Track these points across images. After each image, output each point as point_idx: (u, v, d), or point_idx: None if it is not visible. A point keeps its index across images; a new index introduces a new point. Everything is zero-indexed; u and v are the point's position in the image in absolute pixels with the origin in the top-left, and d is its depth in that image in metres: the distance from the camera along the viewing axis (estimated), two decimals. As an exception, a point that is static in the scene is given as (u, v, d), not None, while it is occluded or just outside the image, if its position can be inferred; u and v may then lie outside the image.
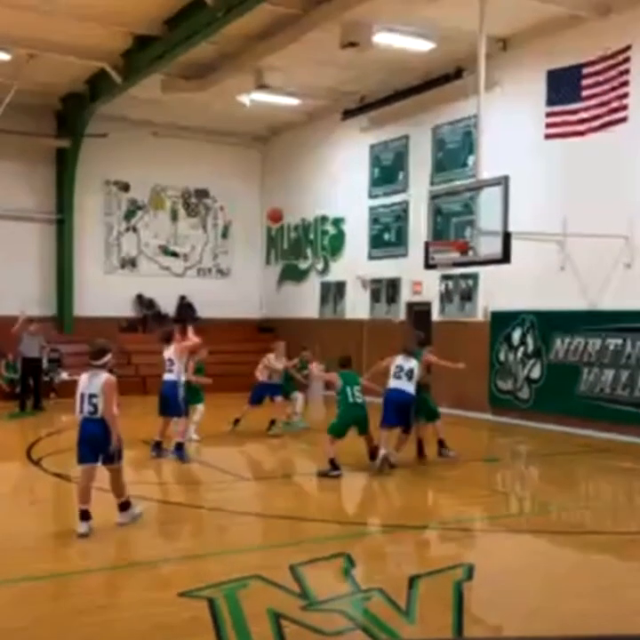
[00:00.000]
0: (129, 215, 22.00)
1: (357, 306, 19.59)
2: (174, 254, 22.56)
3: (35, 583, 5.95)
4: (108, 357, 7.35)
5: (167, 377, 10.83)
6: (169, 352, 10.91)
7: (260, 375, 13.63)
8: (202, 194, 22.86)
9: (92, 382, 7.14)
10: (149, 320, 21.54)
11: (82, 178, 20.73)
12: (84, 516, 7.06)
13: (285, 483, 10.15)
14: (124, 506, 7.43)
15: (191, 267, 22.83)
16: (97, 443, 7.12)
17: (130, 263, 22.05)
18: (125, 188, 21.84)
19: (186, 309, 22.03)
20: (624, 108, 13.05)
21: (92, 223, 21.45)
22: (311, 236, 21.50)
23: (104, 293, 21.14)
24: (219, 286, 22.85)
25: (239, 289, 23.00)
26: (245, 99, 17.40)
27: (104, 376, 7.19)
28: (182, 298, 22.18)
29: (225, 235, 23.26)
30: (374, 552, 7.25)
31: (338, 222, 20.46)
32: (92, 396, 7.11)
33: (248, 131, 22.48)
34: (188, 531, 7.84)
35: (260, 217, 23.45)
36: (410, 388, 10.18)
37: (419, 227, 15.82)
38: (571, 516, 8.54)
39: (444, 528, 7.86)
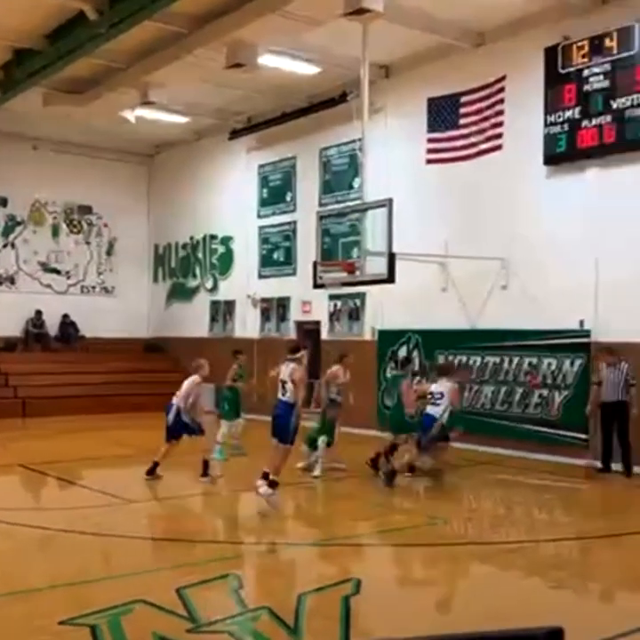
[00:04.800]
0: (7, 231, 21.20)
1: (247, 324, 19.58)
2: (56, 271, 21.87)
3: None
4: None
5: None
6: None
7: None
8: (85, 210, 22.30)
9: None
10: (31, 339, 20.79)
11: (-43, 192, 19.86)
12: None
13: (173, 504, 9.99)
14: None
15: (74, 284, 22.20)
16: None
17: (8, 280, 21.22)
18: (3, 202, 21.07)
19: (68, 328, 21.40)
20: (499, 136, 13.72)
21: (-32, 239, 20.57)
22: (200, 255, 21.36)
23: (-20, 312, 20.26)
24: (104, 304, 22.30)
25: (125, 307, 22.53)
26: (130, 115, 17.17)
27: None
28: (65, 316, 21.53)
29: (110, 252, 22.76)
30: (263, 570, 7.25)
31: (226, 241, 20.43)
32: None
33: (134, 147, 22.17)
34: (70, 556, 7.58)
35: (146, 234, 23.13)
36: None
37: (307, 247, 16.03)
38: (455, 527, 8.82)
39: (333, 543, 7.94)
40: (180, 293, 22.07)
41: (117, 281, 22.80)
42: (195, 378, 11.14)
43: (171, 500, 10.05)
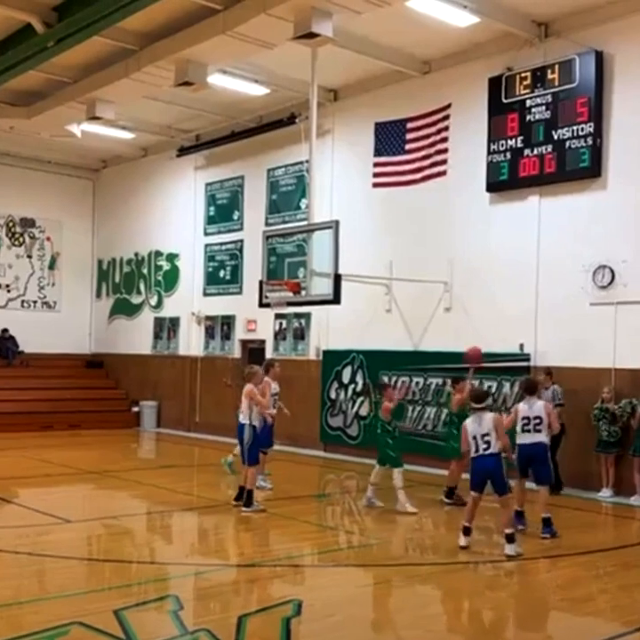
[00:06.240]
0: (-54, 242, 20.72)
1: (192, 342, 19.45)
2: (-5, 285, 21.43)
3: None
4: None
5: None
6: None
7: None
8: (28, 223, 21.93)
9: None
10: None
11: None
12: None
13: (110, 524, 9.81)
14: None
15: (15, 298, 21.75)
16: None
17: (-56, 293, 20.71)
18: (-59, 214, 20.61)
19: (7, 343, 20.92)
20: (444, 162, 14.01)
21: None
22: (145, 271, 21.17)
23: None
24: (45, 319, 21.89)
25: (67, 323, 22.16)
26: (76, 129, 17.00)
27: None
28: (4, 331, 21.04)
29: (52, 266, 22.39)
30: (203, 592, 7.18)
31: (172, 258, 20.31)
32: None
33: (80, 161, 21.93)
34: (4, 577, 7.37)
35: (90, 249, 22.86)
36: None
37: (253, 265, 16.04)
38: (395, 548, 8.86)
39: (273, 565, 7.90)
40: (124, 309, 21.81)
41: (60, 296, 22.42)
42: (247, 388, 10.37)
43: (109, 520, 9.88)
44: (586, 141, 12.04)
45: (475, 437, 8.25)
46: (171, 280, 20.36)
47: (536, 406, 9.11)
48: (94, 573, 7.53)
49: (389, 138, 14.76)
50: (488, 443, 8.16)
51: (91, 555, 8.34)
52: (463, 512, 8.77)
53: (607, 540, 9.57)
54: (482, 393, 9.04)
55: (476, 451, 8.25)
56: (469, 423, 8.39)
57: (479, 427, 8.26)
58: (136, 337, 21.05)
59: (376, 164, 15.02)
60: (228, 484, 11.77)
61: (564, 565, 8.10)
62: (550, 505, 9.28)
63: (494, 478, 8.27)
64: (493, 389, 13.05)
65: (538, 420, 9.01)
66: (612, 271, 11.85)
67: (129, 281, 21.72)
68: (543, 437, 9.06)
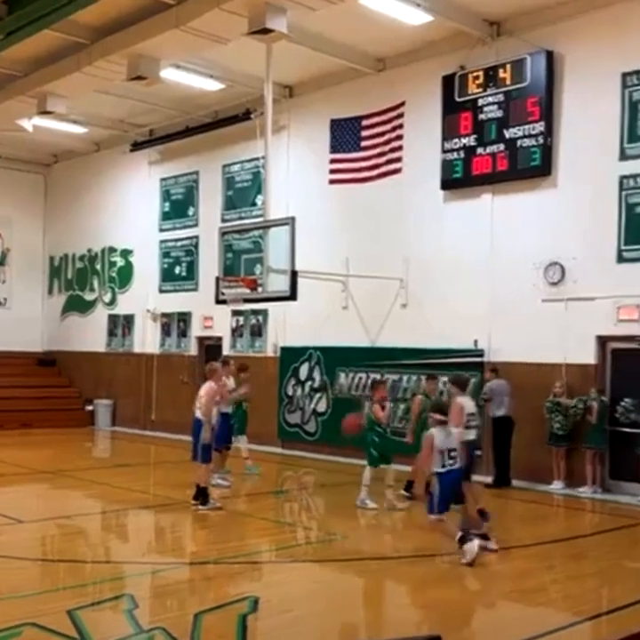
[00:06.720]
0: None
1: (147, 339, 19.28)
2: (-58, 282, 20.96)
3: None
4: None
5: None
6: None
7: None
8: (-24, 219, 21.50)
9: None
10: None
11: None
12: None
13: (63, 524, 9.69)
14: None
15: (-37, 295, 21.33)
16: None
17: None
18: None
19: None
20: (399, 159, 14.11)
21: None
22: (98, 267, 20.91)
23: None
24: (-5, 316, 21.51)
25: (18, 320, 21.72)
26: (27, 123, 16.69)
27: None
28: (-47, 329, 20.63)
29: (2, 262, 21.97)
30: (158, 591, 7.14)
31: (126, 254, 20.09)
32: None
33: (31, 156, 21.54)
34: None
35: (42, 245, 22.48)
36: None
37: (210, 262, 15.97)
38: (352, 543, 8.92)
39: (231, 562, 7.89)
40: (77, 306, 21.51)
41: (10, 292, 22.01)
42: (209, 385, 10.35)
43: (61, 520, 9.75)
44: (537, 140, 12.23)
45: (442, 452, 7.74)
46: (125, 276, 20.13)
47: (470, 404, 9.24)
48: (48, 574, 7.44)
49: (345, 135, 14.81)
50: (454, 458, 7.80)
51: (44, 555, 8.23)
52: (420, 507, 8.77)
53: (558, 531, 9.76)
54: (444, 405, 8.75)
55: (443, 465, 7.75)
56: (437, 435, 7.82)
57: (447, 440, 7.80)
58: (90, 334, 20.78)
59: (332, 161, 15.06)
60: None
61: (515, 557, 8.25)
62: (503, 498, 9.43)
63: (459, 491, 8.02)
64: (448, 385, 13.19)
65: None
66: (563, 268, 12.07)
67: (82, 277, 21.42)
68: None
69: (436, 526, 7.88)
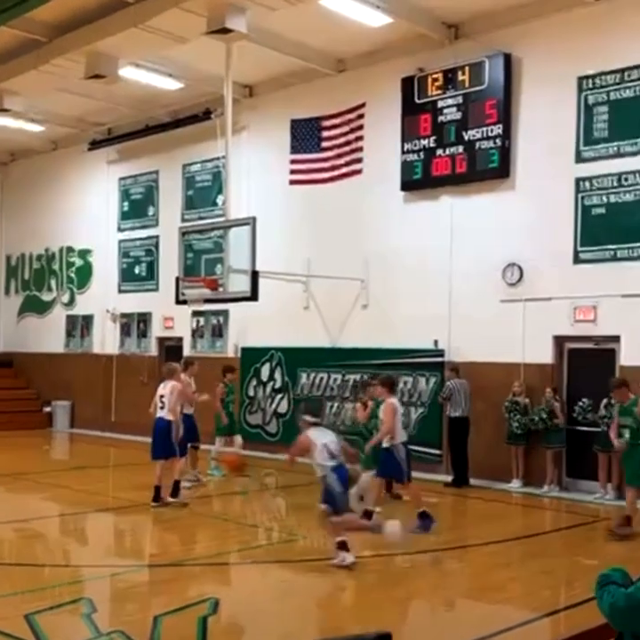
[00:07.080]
0: None
1: (106, 340, 19.07)
2: None
3: None
4: None
5: None
6: None
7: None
8: None
9: None
10: None
11: None
12: None
13: (19, 527, 9.54)
14: None
15: None
16: None
17: None
18: None
19: None
20: (359, 160, 14.16)
21: None
22: (56, 267, 20.62)
23: None
24: (-51, 318, 21.11)
25: (-26, 321, 21.39)
26: (-18, 121, 16.43)
27: None
28: None
29: (-43, 263, 21.58)
30: (117, 594, 7.08)
31: (85, 254, 19.84)
32: None
33: (-15, 154, 21.19)
34: None
35: (-1, 244, 22.11)
36: None
37: (170, 262, 15.83)
38: (313, 543, 8.93)
39: (192, 564, 7.86)
40: (34, 307, 21.19)
41: (-35, 293, 21.63)
42: (174, 384, 10.37)
43: (17, 524, 9.61)
44: (495, 142, 12.38)
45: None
46: (83, 277, 19.89)
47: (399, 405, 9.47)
48: (4, 578, 7.31)
49: (305, 135, 14.82)
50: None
51: (1, 559, 8.08)
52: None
53: (516, 529, 9.87)
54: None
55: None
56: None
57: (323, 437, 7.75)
58: (47, 335, 20.48)
59: (292, 162, 15.06)
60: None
61: (473, 555, 8.34)
62: (461, 497, 9.52)
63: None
64: (409, 385, 13.29)
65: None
66: (521, 269, 12.23)
67: (39, 278, 21.11)
68: None
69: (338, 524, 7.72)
